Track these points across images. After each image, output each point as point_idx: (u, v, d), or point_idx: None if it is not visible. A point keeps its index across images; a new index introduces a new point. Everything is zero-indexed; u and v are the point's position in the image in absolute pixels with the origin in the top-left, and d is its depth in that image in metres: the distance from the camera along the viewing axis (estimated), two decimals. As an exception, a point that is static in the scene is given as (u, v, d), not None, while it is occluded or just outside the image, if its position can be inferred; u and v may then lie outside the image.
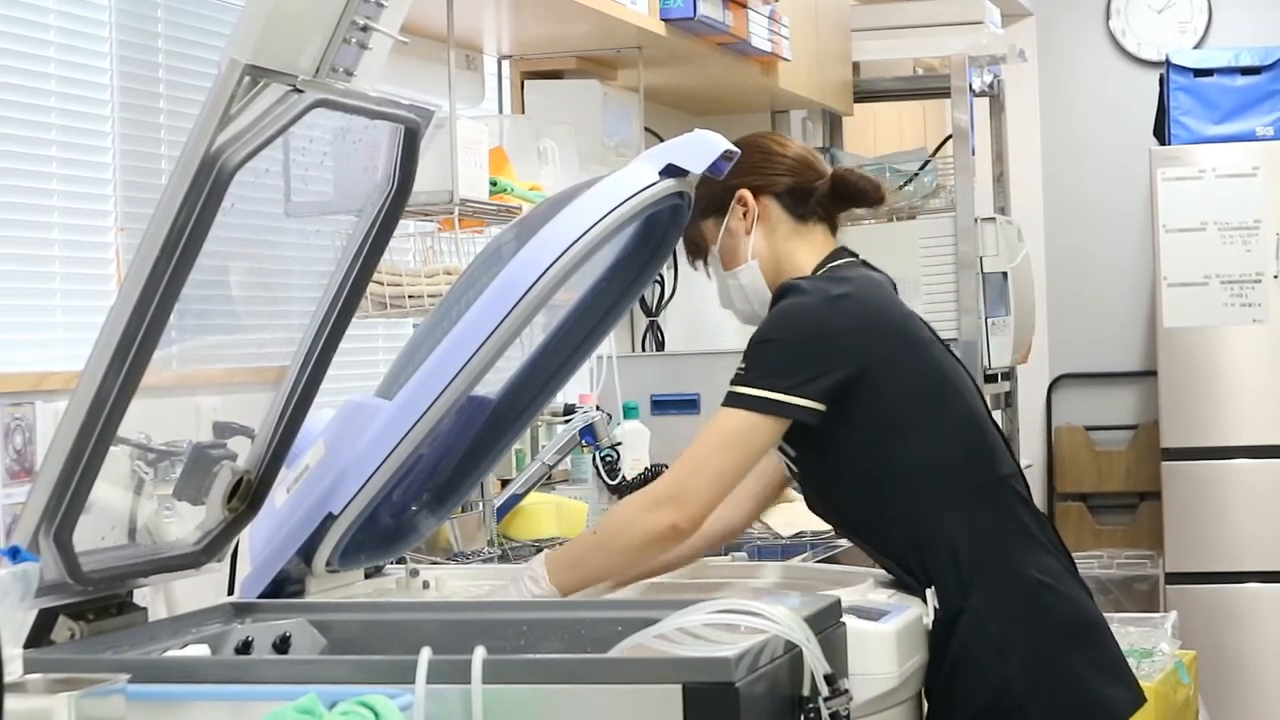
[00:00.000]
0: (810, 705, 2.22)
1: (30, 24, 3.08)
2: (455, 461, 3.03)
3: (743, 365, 2.89)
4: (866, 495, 2.96)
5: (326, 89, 2.40)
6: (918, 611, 2.84)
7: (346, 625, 2.60)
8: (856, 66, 6.19)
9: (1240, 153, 7.12)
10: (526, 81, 4.69)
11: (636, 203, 2.65)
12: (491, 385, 2.91)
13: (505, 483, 4.14)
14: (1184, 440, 7.18)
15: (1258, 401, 7.12)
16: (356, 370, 3.82)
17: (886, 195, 3.18)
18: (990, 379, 5.83)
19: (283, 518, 2.77)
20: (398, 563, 3.08)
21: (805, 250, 3.08)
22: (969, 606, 2.86)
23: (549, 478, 4.24)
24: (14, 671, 1.94)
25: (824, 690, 2.22)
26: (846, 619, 2.51)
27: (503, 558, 3.77)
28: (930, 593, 2.87)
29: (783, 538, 4.06)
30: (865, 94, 6.30)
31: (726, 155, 2.67)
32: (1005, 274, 5.81)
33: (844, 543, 4.00)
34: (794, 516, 4.04)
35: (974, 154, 6.00)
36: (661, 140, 2.90)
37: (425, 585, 3.06)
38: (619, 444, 4.34)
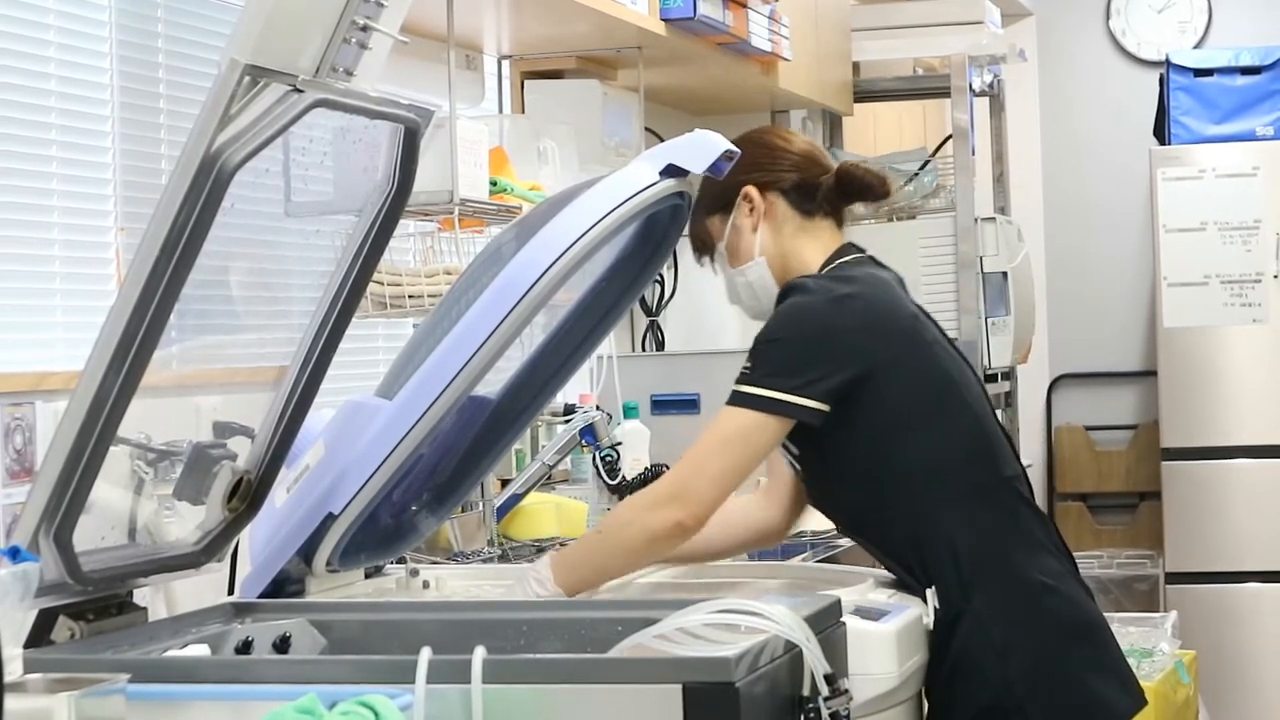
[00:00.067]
0: (810, 705, 2.22)
1: (30, 24, 3.08)
2: (455, 461, 3.03)
3: (748, 364, 2.88)
4: (867, 495, 2.96)
5: (326, 89, 2.40)
6: (918, 611, 2.84)
7: (346, 625, 2.60)
8: (856, 66, 6.19)
9: (1240, 153, 7.12)
10: (526, 81, 4.69)
11: (636, 203, 2.65)
12: (491, 385, 2.91)
13: (505, 483, 4.14)
14: (1184, 440, 7.18)
15: (1258, 401, 7.12)
16: (356, 370, 3.81)
17: (892, 189, 3.17)
18: (990, 379, 5.83)
19: (283, 518, 2.77)
20: (398, 563, 3.08)
21: (812, 246, 3.07)
22: (970, 608, 2.86)
23: (549, 478, 4.24)
24: (14, 671, 1.94)
25: (824, 690, 2.22)
26: (846, 619, 2.51)
27: (503, 558, 3.77)
28: (930, 593, 2.87)
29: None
30: (865, 94, 6.30)
31: (727, 155, 2.67)
32: (1005, 274, 5.82)
33: (844, 543, 4.00)
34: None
35: (974, 154, 6.00)
36: (661, 140, 2.90)
37: (425, 585, 3.06)
38: (619, 444, 4.34)
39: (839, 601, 2.50)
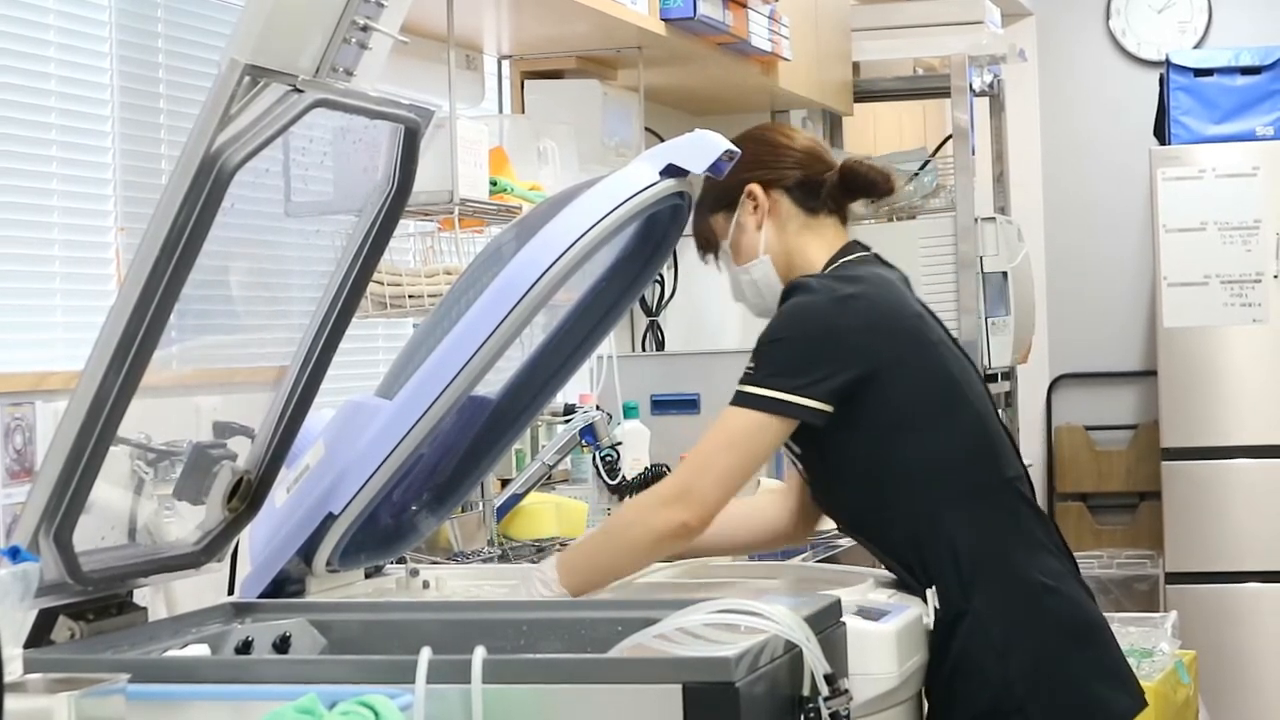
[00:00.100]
0: (810, 705, 2.22)
1: (30, 24, 3.08)
2: (455, 461, 3.03)
3: (751, 364, 2.88)
4: (868, 494, 2.95)
5: (326, 89, 2.40)
6: (918, 611, 2.83)
7: (346, 625, 2.60)
8: (856, 66, 6.19)
9: (1240, 153, 7.12)
10: (526, 81, 4.69)
11: (636, 203, 2.65)
12: (491, 385, 2.91)
13: (505, 483, 4.14)
14: (1184, 440, 7.18)
15: (1258, 401, 7.12)
16: (356, 370, 3.81)
17: (896, 185, 3.17)
18: (990, 379, 5.83)
19: (283, 518, 2.77)
20: (398, 563, 3.08)
21: (817, 244, 3.06)
22: (970, 609, 2.86)
23: (549, 478, 4.24)
24: (14, 671, 1.94)
25: (824, 690, 2.22)
26: (846, 619, 2.51)
27: (503, 558, 3.77)
28: (931, 593, 2.86)
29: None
30: (865, 94, 6.30)
31: (727, 155, 2.67)
32: (1005, 274, 5.82)
33: (844, 543, 4.00)
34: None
35: (974, 154, 6.00)
36: (661, 140, 2.90)
37: (425, 585, 3.06)
38: (619, 444, 4.34)
39: (839, 601, 2.50)
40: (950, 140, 5.95)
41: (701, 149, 2.67)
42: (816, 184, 3.07)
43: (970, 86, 5.95)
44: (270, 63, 2.30)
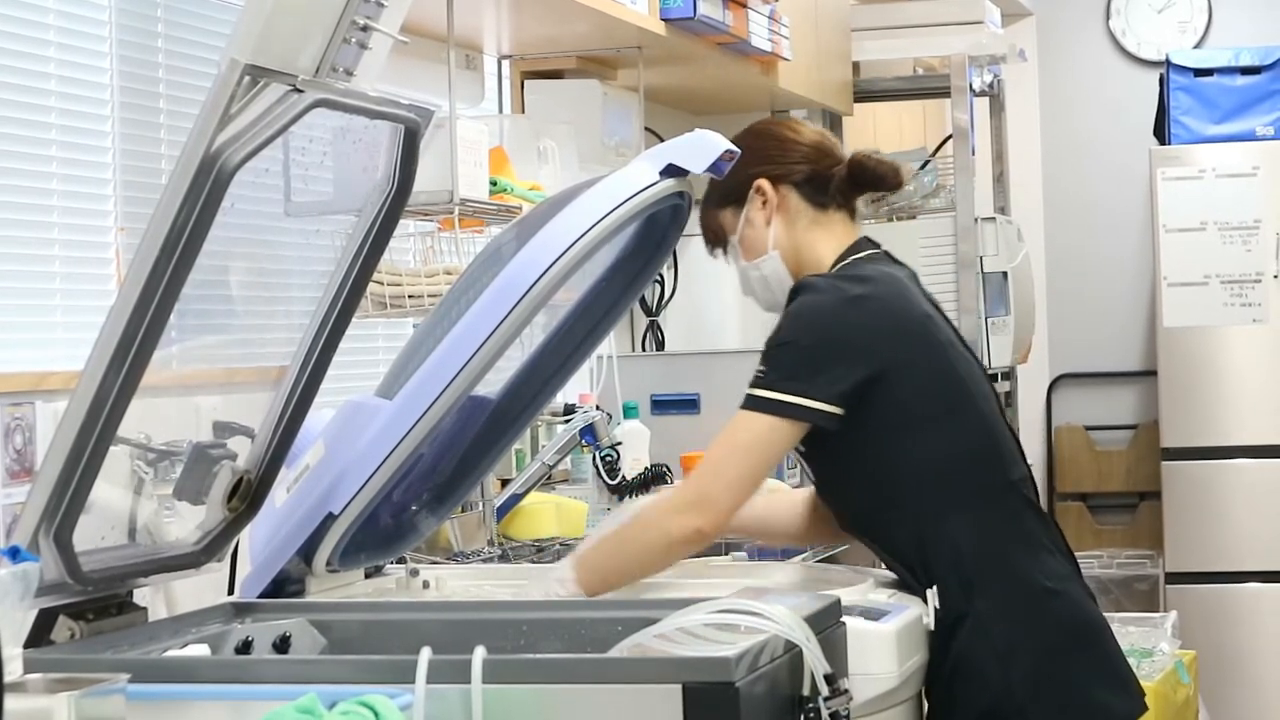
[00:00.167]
0: (810, 705, 2.22)
1: (30, 24, 3.08)
2: (455, 461, 3.03)
3: (761, 368, 2.87)
4: (872, 494, 2.95)
5: (326, 89, 2.40)
6: (918, 611, 2.83)
7: (346, 625, 2.60)
8: (856, 66, 6.19)
9: (1240, 153, 7.12)
10: (526, 81, 4.69)
11: (636, 203, 2.65)
12: (491, 385, 2.91)
13: (505, 482, 4.14)
14: (1184, 440, 7.18)
15: (1258, 401, 7.12)
16: (356, 370, 3.82)
17: (906, 178, 3.16)
18: (990, 379, 5.83)
19: (283, 518, 2.77)
20: (398, 563, 3.08)
21: (826, 239, 3.05)
22: (972, 611, 2.85)
23: (549, 478, 4.24)
24: (14, 671, 1.94)
25: (824, 690, 2.22)
26: (846, 619, 2.51)
27: (503, 558, 3.77)
28: (931, 593, 2.86)
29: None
30: (865, 94, 6.30)
31: (727, 155, 2.67)
32: (1005, 274, 5.82)
33: (844, 543, 4.00)
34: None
35: (974, 154, 6.00)
36: (661, 140, 2.90)
37: (425, 585, 3.06)
38: (619, 444, 4.34)
39: (839, 601, 2.50)
40: (950, 140, 5.95)
41: (701, 149, 2.67)
42: (825, 179, 3.06)
43: (970, 86, 5.95)
44: (270, 63, 2.30)
